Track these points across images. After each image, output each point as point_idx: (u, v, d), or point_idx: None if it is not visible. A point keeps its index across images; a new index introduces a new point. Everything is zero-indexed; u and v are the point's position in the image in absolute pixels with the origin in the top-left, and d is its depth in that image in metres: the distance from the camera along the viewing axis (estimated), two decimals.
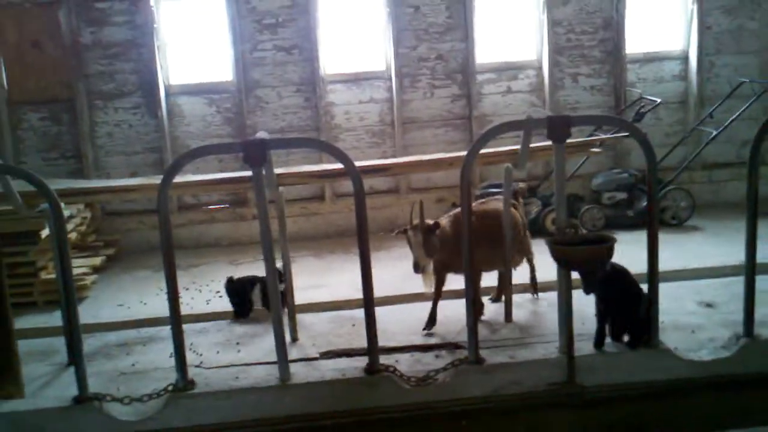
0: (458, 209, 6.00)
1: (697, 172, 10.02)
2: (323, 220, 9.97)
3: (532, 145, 5.82)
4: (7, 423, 4.65)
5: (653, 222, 4.91)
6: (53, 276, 6.96)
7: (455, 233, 5.76)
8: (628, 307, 5.02)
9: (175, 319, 4.82)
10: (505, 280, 6.31)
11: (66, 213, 6.96)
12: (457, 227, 5.81)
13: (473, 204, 5.99)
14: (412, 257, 5.73)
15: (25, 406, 4.84)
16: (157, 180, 5.49)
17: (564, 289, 4.90)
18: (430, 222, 5.73)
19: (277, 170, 6.09)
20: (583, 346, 5.04)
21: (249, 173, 4.92)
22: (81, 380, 4.73)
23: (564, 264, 4.85)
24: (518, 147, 5.86)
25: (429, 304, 6.11)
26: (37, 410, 4.72)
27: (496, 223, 6.06)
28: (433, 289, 6.03)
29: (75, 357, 4.84)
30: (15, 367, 5.06)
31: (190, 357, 5.25)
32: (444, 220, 5.96)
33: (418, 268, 5.71)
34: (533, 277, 6.69)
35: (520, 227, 6.36)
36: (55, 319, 6.57)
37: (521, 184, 8.21)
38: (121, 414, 4.68)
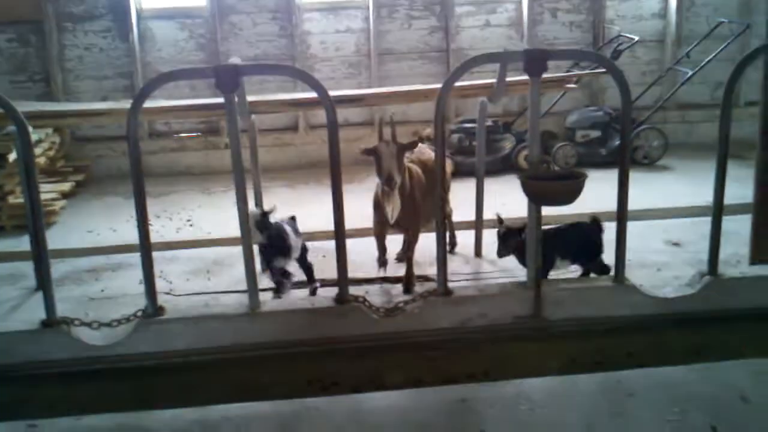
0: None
1: (671, 111, 10.03)
2: (296, 151, 9.91)
3: (508, 80, 5.77)
4: None
5: (625, 160, 4.91)
6: (21, 200, 6.87)
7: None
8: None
9: (145, 247, 4.78)
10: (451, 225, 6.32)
11: (34, 137, 6.83)
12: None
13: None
14: (382, 174, 5.18)
15: None
16: (127, 105, 5.37)
17: (533, 225, 4.92)
18: (405, 142, 5.31)
19: (250, 98, 6.00)
20: (550, 282, 5.11)
21: (221, 100, 4.84)
22: (49, 304, 4.72)
23: (535, 199, 4.87)
24: (494, 81, 5.81)
25: (400, 237, 6.10)
26: (5, 333, 4.71)
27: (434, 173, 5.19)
28: (395, 218, 5.47)
29: (43, 281, 4.81)
30: None
31: (159, 284, 5.22)
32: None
33: (392, 180, 5.15)
34: (453, 234, 6.48)
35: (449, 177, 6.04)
36: (23, 243, 6.52)
37: (489, 122, 8.15)
38: (90, 338, 4.68)
